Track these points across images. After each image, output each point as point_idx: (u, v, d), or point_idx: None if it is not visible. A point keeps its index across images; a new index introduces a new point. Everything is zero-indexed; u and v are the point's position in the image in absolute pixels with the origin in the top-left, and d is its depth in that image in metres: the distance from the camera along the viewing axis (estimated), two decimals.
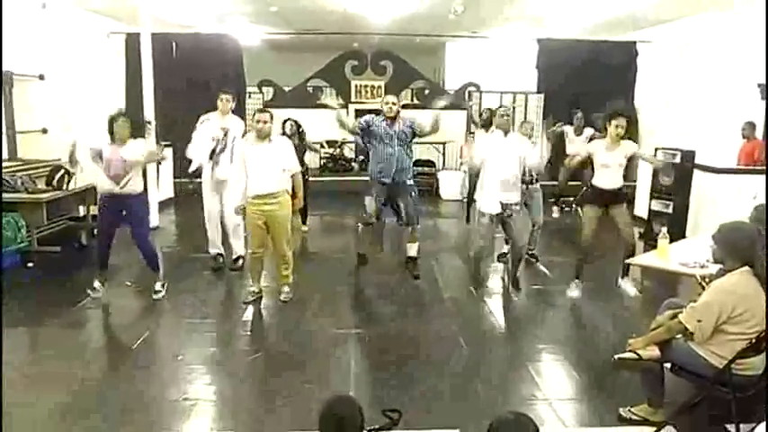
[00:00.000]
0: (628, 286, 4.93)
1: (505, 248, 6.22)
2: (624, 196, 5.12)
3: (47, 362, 3.92)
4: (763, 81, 6.72)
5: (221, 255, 5.92)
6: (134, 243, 5.00)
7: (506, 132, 5.02)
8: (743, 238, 2.86)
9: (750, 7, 6.79)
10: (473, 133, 10.74)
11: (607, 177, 4.86)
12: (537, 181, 5.87)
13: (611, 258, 5.28)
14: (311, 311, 4.81)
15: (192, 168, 5.87)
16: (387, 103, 5.31)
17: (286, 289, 4.99)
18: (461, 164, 8.61)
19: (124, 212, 4.86)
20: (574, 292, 5.04)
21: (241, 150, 4.84)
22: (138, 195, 4.91)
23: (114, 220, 4.90)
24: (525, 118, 10.82)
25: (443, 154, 10.80)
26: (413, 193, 5.45)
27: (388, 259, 6.12)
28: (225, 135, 5.64)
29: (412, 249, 5.63)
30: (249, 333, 4.58)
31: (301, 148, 6.50)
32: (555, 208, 8.51)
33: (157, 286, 5.05)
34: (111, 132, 4.72)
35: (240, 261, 5.88)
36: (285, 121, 6.90)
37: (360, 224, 5.67)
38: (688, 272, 3.96)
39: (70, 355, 4.02)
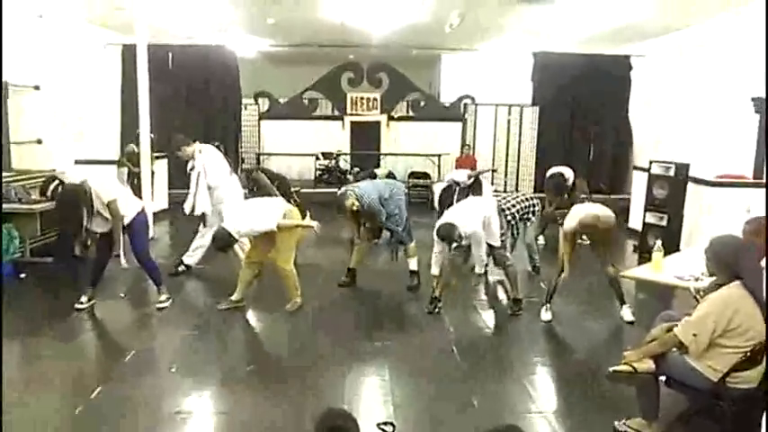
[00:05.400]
0: (626, 314, 4.92)
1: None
2: None
3: (38, 374, 3.88)
4: (757, 95, 6.77)
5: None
6: (135, 259, 4.96)
7: None
8: (729, 252, 2.88)
9: (745, 16, 6.85)
10: (468, 145, 10.80)
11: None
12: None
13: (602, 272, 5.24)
14: (305, 324, 4.79)
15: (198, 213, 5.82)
16: None
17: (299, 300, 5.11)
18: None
19: (125, 231, 4.81)
20: (547, 315, 4.96)
21: None
22: (138, 213, 4.86)
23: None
24: (520, 131, 10.88)
25: (438, 166, 10.83)
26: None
27: (382, 271, 6.11)
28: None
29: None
30: (244, 345, 4.56)
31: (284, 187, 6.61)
32: (541, 237, 7.45)
33: (162, 297, 5.04)
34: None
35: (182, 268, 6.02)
36: (251, 173, 6.64)
37: (362, 240, 5.73)
38: (683, 284, 3.97)
39: (62, 367, 3.97)
